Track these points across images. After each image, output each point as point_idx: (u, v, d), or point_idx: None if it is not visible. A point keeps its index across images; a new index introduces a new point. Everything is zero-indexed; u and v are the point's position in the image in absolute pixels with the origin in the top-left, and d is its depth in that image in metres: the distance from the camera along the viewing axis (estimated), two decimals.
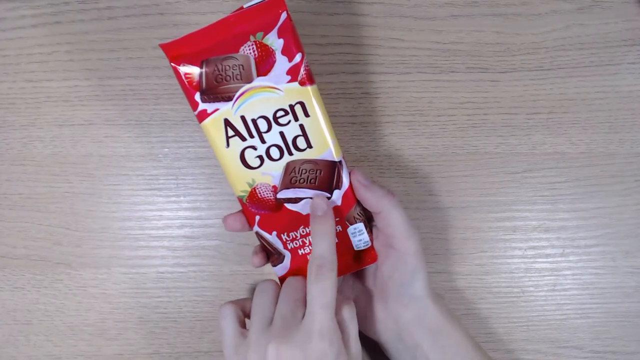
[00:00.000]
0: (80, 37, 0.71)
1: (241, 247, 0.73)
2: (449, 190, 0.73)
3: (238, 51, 0.55)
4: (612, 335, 0.74)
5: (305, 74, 0.56)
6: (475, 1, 0.71)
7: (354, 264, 0.64)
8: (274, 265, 0.63)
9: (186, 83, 0.55)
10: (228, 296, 0.73)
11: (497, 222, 0.73)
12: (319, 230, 0.58)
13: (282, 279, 0.64)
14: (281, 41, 0.55)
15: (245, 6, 0.54)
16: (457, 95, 0.72)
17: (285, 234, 0.61)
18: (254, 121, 0.57)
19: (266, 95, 0.56)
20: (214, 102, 0.56)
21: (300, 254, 0.62)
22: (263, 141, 0.57)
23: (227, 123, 0.57)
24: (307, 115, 0.57)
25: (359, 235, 0.62)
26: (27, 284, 0.72)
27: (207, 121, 0.57)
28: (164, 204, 0.72)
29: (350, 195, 0.61)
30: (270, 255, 0.63)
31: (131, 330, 0.73)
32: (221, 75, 0.55)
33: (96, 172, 0.72)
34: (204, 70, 0.55)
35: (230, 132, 0.57)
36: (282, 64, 0.55)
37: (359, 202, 0.62)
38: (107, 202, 0.72)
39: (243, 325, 0.60)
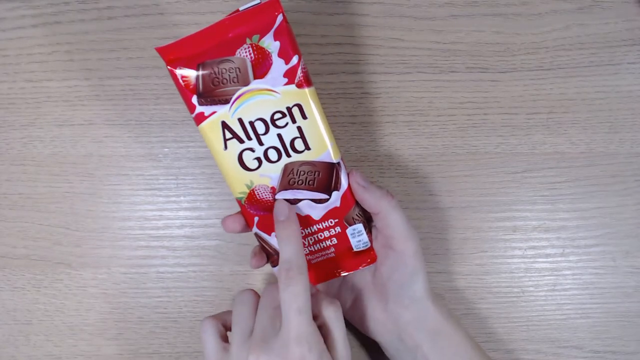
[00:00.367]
0: (80, 37, 0.71)
1: (241, 247, 0.73)
2: (449, 190, 0.73)
3: (234, 54, 0.55)
4: (612, 335, 0.74)
5: (302, 76, 0.56)
6: (475, 1, 0.71)
7: (353, 265, 0.63)
8: (274, 266, 0.63)
9: (183, 86, 0.55)
10: (228, 296, 0.73)
11: (497, 222, 0.73)
12: (283, 234, 0.57)
13: None
14: (277, 44, 0.55)
15: (241, 9, 0.54)
16: (457, 95, 0.72)
17: None
18: (251, 123, 0.57)
19: (263, 97, 0.56)
20: (211, 105, 0.56)
21: None
22: (261, 143, 0.57)
23: (225, 126, 0.57)
24: (304, 117, 0.57)
25: (358, 236, 0.62)
26: (27, 284, 0.73)
27: (204, 124, 0.57)
28: (164, 204, 0.72)
29: (349, 196, 0.60)
30: (269, 256, 0.63)
31: (131, 330, 0.73)
32: (218, 78, 0.55)
33: (96, 172, 0.72)
34: (200, 73, 0.55)
35: (228, 135, 0.57)
36: (278, 66, 0.55)
37: (358, 203, 0.61)
38: (107, 202, 0.72)
39: (225, 339, 0.60)
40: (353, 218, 0.61)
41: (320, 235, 0.61)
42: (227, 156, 0.58)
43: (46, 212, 0.72)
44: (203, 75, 0.55)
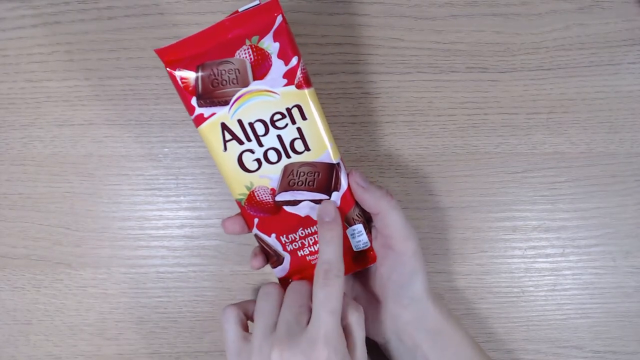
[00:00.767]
0: (80, 37, 0.71)
1: (241, 247, 0.73)
2: (449, 190, 0.73)
3: (234, 55, 0.55)
4: (612, 335, 0.74)
5: (302, 77, 0.56)
6: (475, 1, 0.71)
7: (353, 265, 0.63)
8: (274, 267, 0.63)
9: (182, 88, 0.55)
10: (228, 296, 0.73)
11: (497, 222, 0.73)
12: (327, 236, 0.57)
13: (282, 281, 0.64)
14: (277, 45, 0.55)
15: (240, 10, 0.54)
16: (457, 95, 0.72)
17: (285, 236, 0.61)
18: (251, 125, 0.57)
19: (263, 99, 0.56)
20: (210, 106, 0.56)
21: (299, 255, 0.62)
22: (260, 144, 0.57)
23: (224, 127, 0.57)
24: (304, 118, 0.57)
25: (358, 236, 0.62)
26: (27, 284, 0.73)
27: (204, 125, 0.57)
28: (164, 204, 0.73)
29: (349, 196, 0.60)
30: (269, 257, 0.63)
31: (131, 330, 0.73)
32: (217, 79, 0.55)
33: (96, 172, 0.72)
34: (199, 74, 0.55)
35: (228, 136, 0.57)
36: (278, 67, 0.55)
37: (357, 204, 0.61)
38: (107, 202, 0.72)
39: (245, 328, 0.60)
40: (353, 218, 0.61)
41: None
42: (227, 158, 0.58)
43: (46, 212, 0.72)
44: (202, 77, 0.55)
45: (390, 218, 0.60)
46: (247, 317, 0.62)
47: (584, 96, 0.72)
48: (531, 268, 0.73)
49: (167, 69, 0.55)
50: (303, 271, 0.63)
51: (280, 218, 0.60)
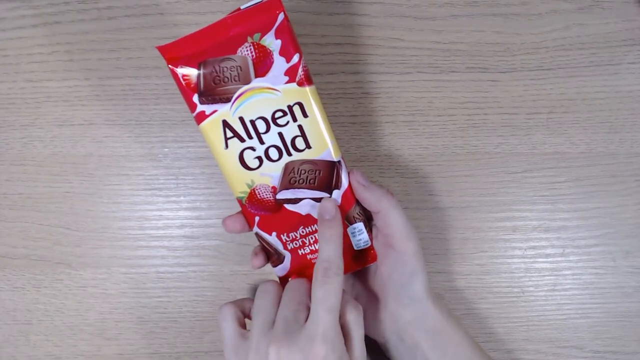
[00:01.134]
0: (80, 37, 0.71)
1: (241, 247, 0.73)
2: (449, 190, 0.73)
3: (236, 52, 0.55)
4: (612, 335, 0.74)
5: (303, 74, 0.56)
6: (475, 1, 0.71)
7: (354, 264, 0.63)
8: (274, 266, 0.63)
9: (184, 85, 0.55)
10: (228, 296, 0.73)
11: (497, 222, 0.73)
12: (327, 233, 0.57)
13: (282, 280, 0.64)
14: (279, 42, 0.55)
15: (242, 7, 0.54)
16: (457, 95, 0.72)
17: (285, 234, 0.61)
18: (252, 122, 0.57)
19: (264, 96, 0.56)
20: (212, 103, 0.56)
21: (300, 254, 0.62)
22: (262, 142, 0.57)
23: (226, 124, 0.57)
24: (305, 115, 0.57)
25: (358, 235, 0.62)
26: (27, 284, 0.72)
27: (205, 123, 0.57)
28: (164, 204, 0.72)
29: (350, 195, 0.60)
30: (270, 256, 0.63)
31: (131, 330, 0.73)
32: (219, 76, 0.55)
33: (96, 172, 0.72)
34: (201, 71, 0.55)
35: (229, 134, 0.57)
36: (280, 64, 0.55)
37: (358, 202, 0.61)
38: (107, 202, 0.72)
39: (243, 325, 0.60)
40: (354, 217, 0.61)
41: None
42: (228, 155, 0.58)
43: (46, 212, 0.72)
44: (204, 74, 0.55)
45: (391, 217, 0.60)
46: (244, 315, 0.62)
47: (584, 96, 0.72)
48: (531, 268, 0.73)
49: (169, 66, 0.55)
50: (303, 270, 0.63)
51: (281, 216, 0.60)
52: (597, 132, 0.72)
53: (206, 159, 0.72)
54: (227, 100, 0.56)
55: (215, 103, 0.56)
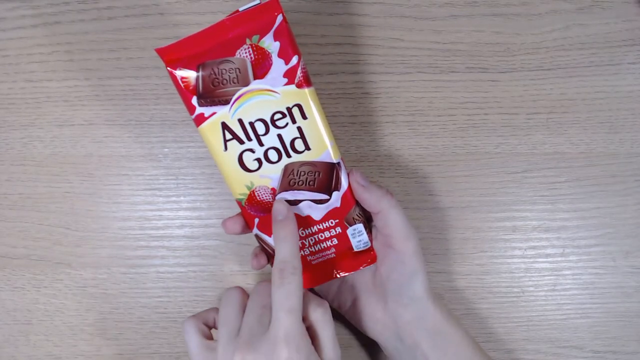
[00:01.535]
0: (80, 37, 0.71)
1: (241, 247, 0.73)
2: (449, 190, 0.73)
3: (234, 54, 0.55)
4: (612, 335, 0.74)
5: (302, 76, 0.56)
6: (475, 1, 0.71)
7: (354, 265, 0.63)
8: None
9: (183, 87, 0.55)
10: None
11: (497, 222, 0.73)
12: (280, 234, 0.57)
13: None
14: (277, 44, 0.55)
15: (240, 9, 0.54)
16: (457, 95, 0.72)
17: None
18: (251, 124, 0.57)
19: (263, 98, 0.56)
20: (211, 105, 0.56)
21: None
22: (261, 144, 0.57)
23: (225, 126, 0.57)
24: (304, 117, 0.57)
25: (358, 236, 0.62)
26: (27, 284, 0.73)
27: (204, 125, 0.57)
28: (164, 204, 0.72)
29: (350, 196, 0.60)
30: (270, 257, 0.63)
31: (131, 330, 0.73)
32: (218, 78, 0.55)
33: (96, 172, 0.72)
34: (200, 74, 0.55)
35: (228, 136, 0.57)
36: (278, 66, 0.55)
37: (358, 203, 0.61)
38: (107, 202, 0.72)
39: (209, 337, 0.60)
40: (353, 218, 0.61)
41: (321, 236, 0.61)
42: (227, 157, 0.58)
43: (46, 212, 0.72)
44: (203, 76, 0.55)
45: (391, 217, 0.60)
46: (208, 327, 0.62)
47: (584, 96, 0.72)
48: (531, 268, 0.73)
49: (168, 68, 0.55)
50: (303, 272, 0.62)
51: None
52: (597, 132, 0.72)
53: (206, 159, 0.72)
54: (226, 102, 0.56)
55: (214, 105, 0.56)
